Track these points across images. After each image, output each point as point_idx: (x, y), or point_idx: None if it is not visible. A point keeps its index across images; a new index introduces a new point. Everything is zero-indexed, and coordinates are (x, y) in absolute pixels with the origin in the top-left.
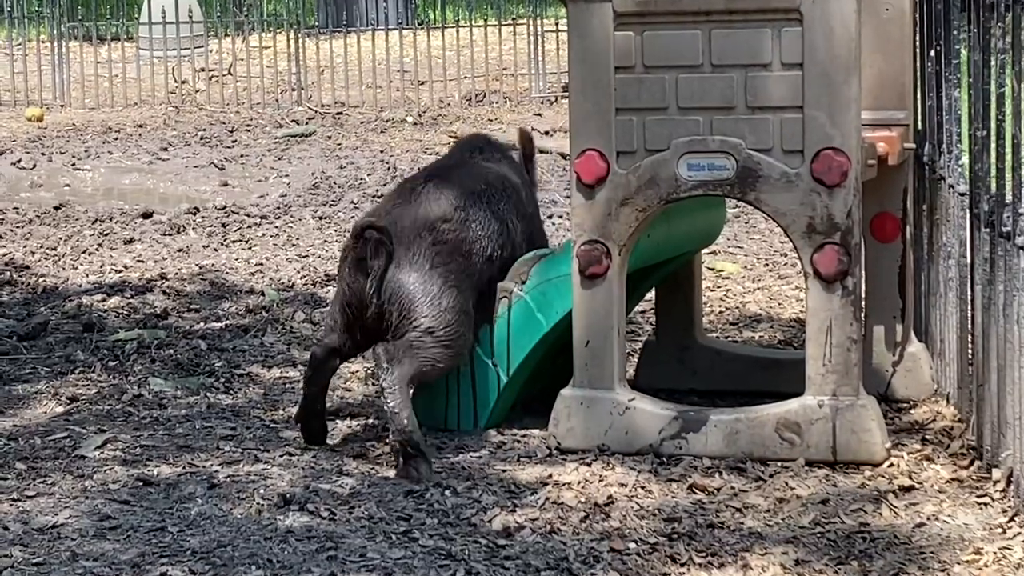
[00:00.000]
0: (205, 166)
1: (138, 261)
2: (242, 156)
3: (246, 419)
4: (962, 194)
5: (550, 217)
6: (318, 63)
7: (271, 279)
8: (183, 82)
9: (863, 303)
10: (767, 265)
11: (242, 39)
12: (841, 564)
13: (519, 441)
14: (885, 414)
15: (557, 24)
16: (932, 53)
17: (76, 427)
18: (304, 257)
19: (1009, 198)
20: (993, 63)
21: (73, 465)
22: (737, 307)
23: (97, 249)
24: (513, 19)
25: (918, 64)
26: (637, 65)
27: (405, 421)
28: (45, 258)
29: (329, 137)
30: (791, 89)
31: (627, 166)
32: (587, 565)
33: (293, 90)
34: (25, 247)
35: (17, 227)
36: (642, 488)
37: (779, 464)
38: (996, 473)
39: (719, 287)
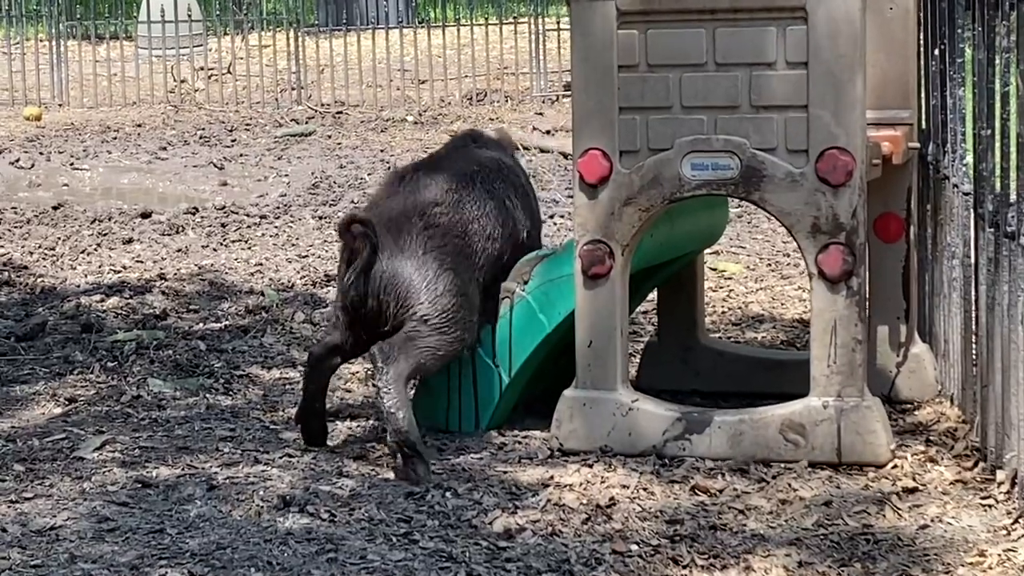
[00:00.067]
0: (204, 166)
1: (137, 261)
2: (241, 155)
3: (245, 420)
4: (966, 194)
5: (551, 217)
6: (318, 62)
7: (271, 279)
8: (182, 81)
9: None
10: (770, 265)
11: (241, 38)
12: (844, 566)
13: (520, 442)
14: (889, 415)
15: (559, 22)
16: (936, 52)
17: (74, 428)
18: (304, 257)
19: (1013, 197)
20: (997, 62)
21: (71, 467)
22: (740, 307)
23: (96, 249)
24: (514, 17)
25: (922, 63)
26: (640, 64)
27: (402, 421)
28: (43, 258)
29: (329, 136)
30: (796, 88)
31: (630, 165)
32: (589, 567)
33: (293, 89)
34: (23, 247)
35: (15, 227)
36: (644, 490)
37: (782, 466)
38: (1000, 475)
39: (722, 287)
